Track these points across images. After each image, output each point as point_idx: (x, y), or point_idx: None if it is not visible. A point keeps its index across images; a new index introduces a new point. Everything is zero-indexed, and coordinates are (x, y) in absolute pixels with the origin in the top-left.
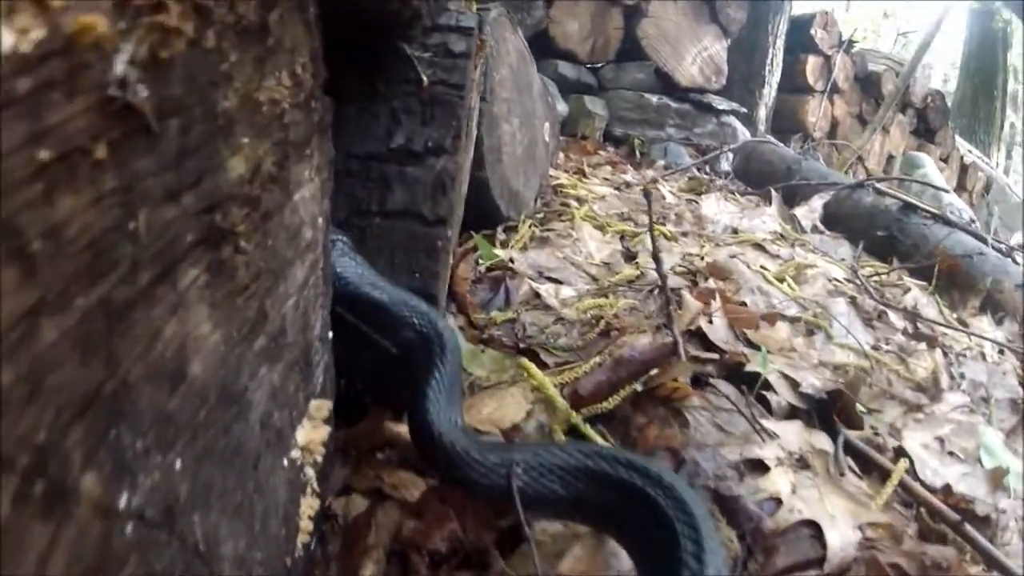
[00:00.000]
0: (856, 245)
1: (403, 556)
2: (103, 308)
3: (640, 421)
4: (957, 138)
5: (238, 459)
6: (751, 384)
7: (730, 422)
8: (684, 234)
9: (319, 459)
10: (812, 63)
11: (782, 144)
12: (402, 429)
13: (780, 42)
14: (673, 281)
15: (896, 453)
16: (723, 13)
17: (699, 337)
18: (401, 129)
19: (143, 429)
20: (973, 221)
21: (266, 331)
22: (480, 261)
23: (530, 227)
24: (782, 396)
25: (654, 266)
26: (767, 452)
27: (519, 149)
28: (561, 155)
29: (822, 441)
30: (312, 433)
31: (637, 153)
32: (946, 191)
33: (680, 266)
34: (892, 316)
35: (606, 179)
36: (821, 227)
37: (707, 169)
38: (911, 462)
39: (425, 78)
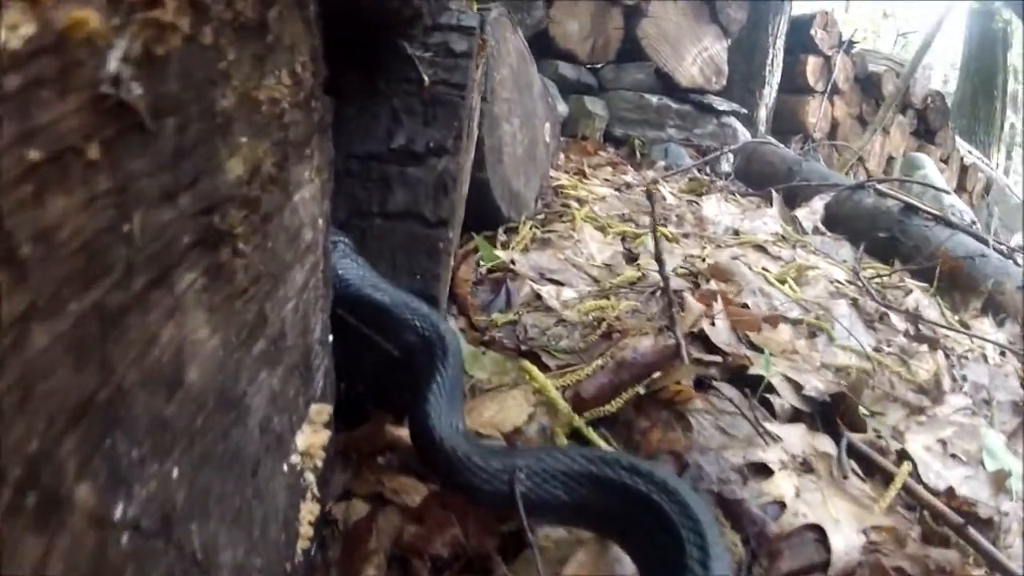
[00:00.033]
0: (857, 246)
1: (404, 562)
2: (97, 313)
3: (643, 424)
4: (957, 139)
5: (237, 465)
6: (754, 387)
7: (733, 425)
8: (685, 235)
9: (319, 464)
10: (812, 64)
11: (783, 145)
12: (403, 433)
13: (780, 42)
14: (675, 283)
15: (899, 456)
16: (723, 13)
17: (701, 339)
18: (402, 129)
19: (139, 437)
20: (974, 223)
21: (265, 335)
22: (481, 262)
23: (531, 228)
24: (785, 399)
25: (655, 267)
26: (771, 455)
27: (520, 150)
28: (561, 156)
29: (825, 444)
30: (312, 437)
31: (637, 154)
32: (947, 192)
33: (681, 267)
34: (894, 318)
35: (607, 180)
36: (822, 228)
37: (708, 170)
38: (914, 465)
39: (426, 78)
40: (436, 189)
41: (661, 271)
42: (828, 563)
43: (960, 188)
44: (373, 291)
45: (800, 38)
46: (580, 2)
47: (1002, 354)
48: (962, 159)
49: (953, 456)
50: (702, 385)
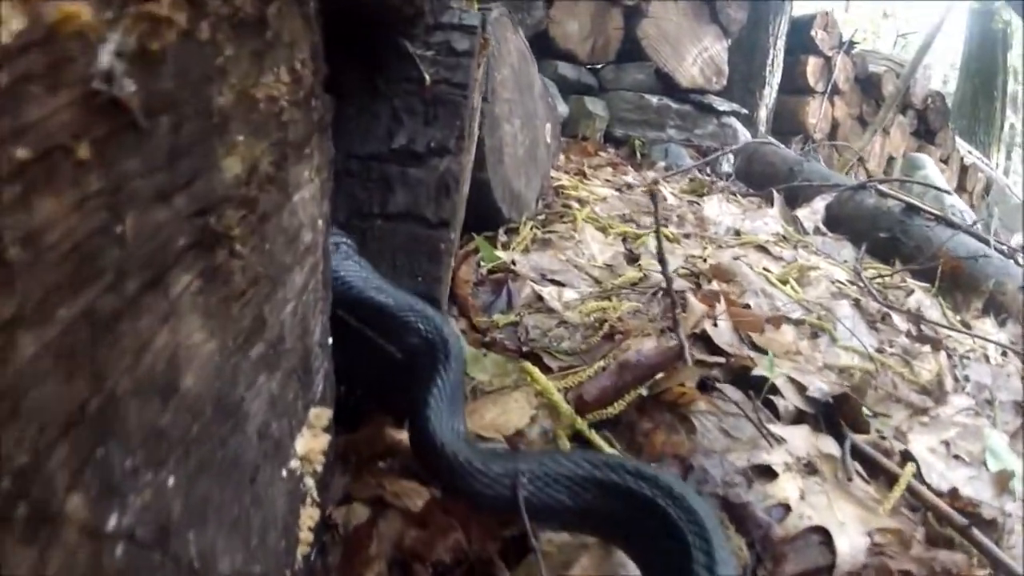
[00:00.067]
0: (859, 247)
1: (406, 567)
2: (87, 319)
3: (646, 427)
4: (957, 139)
5: (235, 472)
6: (758, 388)
7: (737, 427)
8: (686, 236)
9: (319, 468)
10: (813, 64)
11: (783, 145)
12: (404, 436)
13: (781, 43)
14: (677, 283)
15: (902, 457)
16: (723, 13)
17: (704, 340)
18: (403, 129)
19: (132, 446)
20: (976, 223)
21: (264, 338)
22: (482, 263)
23: (532, 229)
24: (789, 400)
25: (657, 268)
26: (775, 457)
27: (521, 150)
28: (562, 156)
29: (829, 446)
30: (312, 442)
31: (638, 154)
32: (948, 192)
33: (683, 268)
34: (896, 318)
35: (607, 180)
36: (823, 229)
37: (708, 170)
38: (917, 466)
39: (428, 76)
40: (438, 190)
41: (664, 272)
42: (833, 566)
43: (960, 188)
44: (376, 293)
45: (800, 38)
46: (580, 2)
47: (1004, 354)
48: (962, 159)
49: (956, 457)
50: (705, 387)
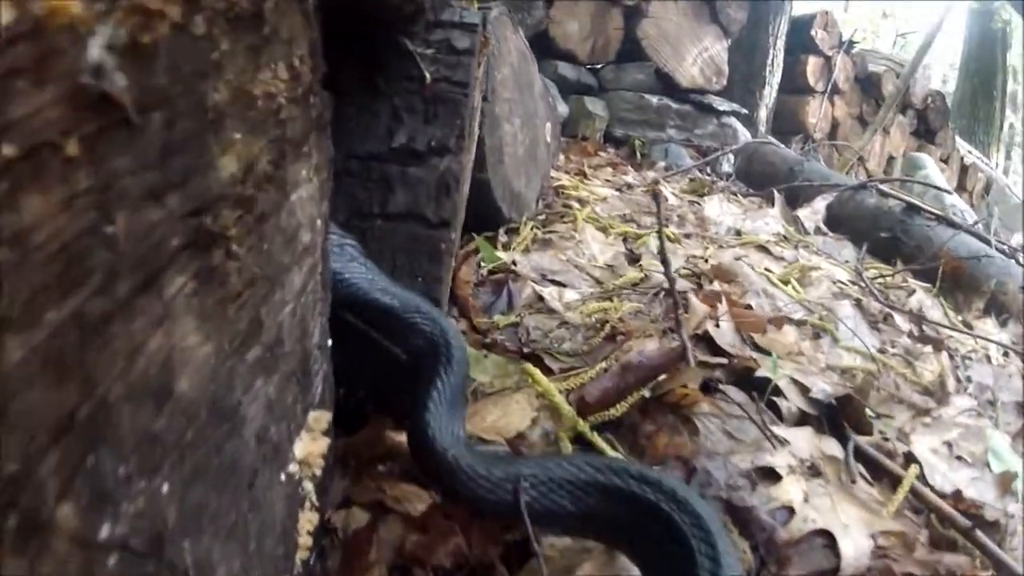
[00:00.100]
0: (860, 247)
1: (406, 572)
2: (77, 322)
3: (649, 429)
4: (957, 139)
5: (232, 478)
6: (761, 389)
7: (740, 429)
8: (687, 236)
9: (318, 472)
10: (813, 64)
11: (783, 145)
12: (404, 438)
13: (781, 43)
14: (678, 284)
15: (905, 458)
16: (723, 13)
17: (706, 341)
18: (403, 128)
19: (125, 453)
20: (978, 222)
21: (261, 341)
22: (482, 264)
23: (532, 229)
24: (792, 402)
25: (658, 268)
26: (778, 460)
27: (521, 150)
28: (562, 156)
29: (832, 447)
30: (311, 446)
31: (638, 154)
32: (949, 192)
33: (684, 268)
34: (897, 319)
35: (607, 180)
36: (824, 229)
37: (708, 170)
38: (920, 467)
39: (428, 75)
40: (438, 189)
41: (667, 272)
42: (837, 569)
43: (960, 188)
44: (382, 295)
45: (800, 38)
46: (580, 2)
47: (1005, 355)
48: (962, 159)
49: (959, 458)
50: (708, 388)
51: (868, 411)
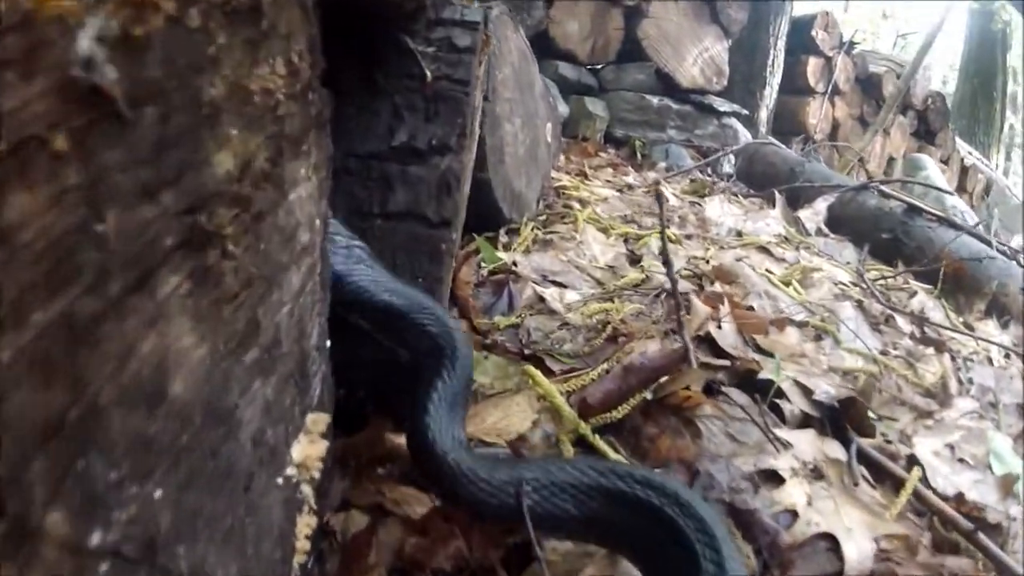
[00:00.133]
0: (861, 248)
1: (405, 575)
2: (66, 322)
3: (651, 431)
4: (957, 140)
5: (228, 482)
6: (763, 392)
7: (743, 431)
8: (688, 237)
9: (316, 475)
10: (813, 64)
11: (784, 146)
12: (404, 440)
13: (781, 43)
14: (680, 285)
15: (908, 461)
16: (724, 14)
17: (708, 343)
18: (403, 126)
19: (117, 457)
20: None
21: (258, 342)
22: (482, 264)
23: (533, 229)
24: (795, 404)
25: (659, 269)
26: (782, 463)
27: (521, 150)
28: (562, 157)
29: (835, 450)
30: (309, 448)
31: (638, 155)
32: (950, 193)
33: (685, 269)
34: (899, 320)
35: (608, 181)
36: (825, 230)
37: (709, 171)
38: (923, 470)
39: (429, 73)
40: (439, 188)
41: (669, 273)
42: (841, 572)
43: (960, 189)
44: (388, 296)
45: (801, 39)
46: (580, 2)
47: (1007, 356)
48: (962, 160)
49: (961, 460)
50: (711, 390)
51: (871, 413)
